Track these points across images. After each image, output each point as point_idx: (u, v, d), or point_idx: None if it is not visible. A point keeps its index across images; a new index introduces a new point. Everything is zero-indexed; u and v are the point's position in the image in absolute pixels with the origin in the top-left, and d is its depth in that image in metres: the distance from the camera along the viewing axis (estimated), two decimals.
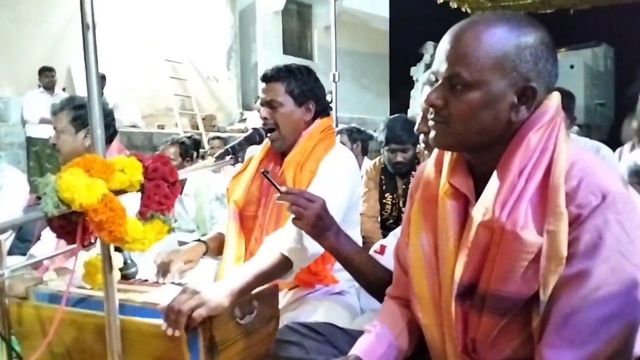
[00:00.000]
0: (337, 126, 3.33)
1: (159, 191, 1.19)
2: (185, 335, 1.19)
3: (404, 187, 3.03)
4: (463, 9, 6.92)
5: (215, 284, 1.38)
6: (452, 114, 0.99)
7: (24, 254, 2.29)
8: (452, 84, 0.98)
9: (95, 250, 1.24)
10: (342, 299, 1.74)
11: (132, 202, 1.18)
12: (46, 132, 5.47)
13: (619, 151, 3.20)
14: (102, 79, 6.01)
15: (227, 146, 1.65)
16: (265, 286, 1.44)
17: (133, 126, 8.19)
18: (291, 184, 1.66)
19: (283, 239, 1.49)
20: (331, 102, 2.94)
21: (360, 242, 1.81)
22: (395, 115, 3.34)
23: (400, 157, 2.94)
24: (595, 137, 6.43)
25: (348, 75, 9.41)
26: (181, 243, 2.03)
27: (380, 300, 1.30)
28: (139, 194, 1.19)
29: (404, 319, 1.18)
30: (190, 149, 3.44)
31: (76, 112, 2.11)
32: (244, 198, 1.80)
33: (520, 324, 0.96)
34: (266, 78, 1.77)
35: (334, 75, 3.38)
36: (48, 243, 2.05)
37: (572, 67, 11.95)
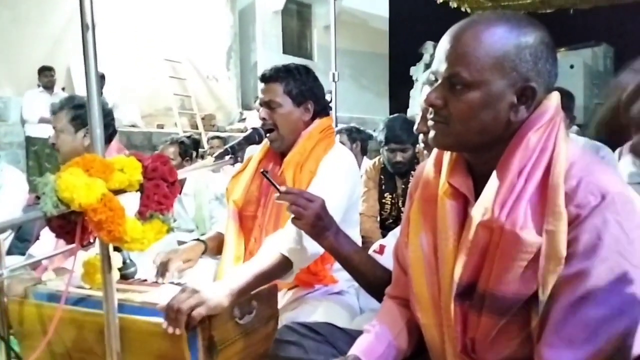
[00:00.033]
0: (336, 126, 3.34)
1: (158, 191, 1.19)
2: (185, 333, 1.19)
3: (403, 186, 3.03)
4: (463, 9, 6.94)
5: (215, 284, 1.38)
6: (452, 113, 0.99)
7: (23, 254, 2.29)
8: (451, 84, 0.98)
9: (94, 250, 1.23)
10: (342, 298, 1.74)
11: (131, 201, 1.18)
12: (45, 131, 5.46)
13: (619, 151, 3.19)
14: (101, 78, 5.94)
15: (227, 146, 1.65)
16: (265, 286, 1.45)
17: (132, 126, 8.19)
18: (291, 184, 1.66)
19: (283, 239, 1.49)
20: (331, 101, 2.93)
21: (359, 242, 1.81)
22: (395, 115, 3.34)
23: (399, 157, 2.94)
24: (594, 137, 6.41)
25: (348, 75, 9.42)
26: (180, 243, 2.03)
27: (380, 300, 1.30)
28: (138, 193, 1.19)
29: (403, 319, 1.18)
30: (189, 149, 3.44)
31: (75, 111, 2.11)
32: (244, 198, 1.80)
33: (519, 323, 0.96)
34: (265, 78, 1.77)
35: (333, 74, 3.38)
36: (47, 243, 2.04)
37: (571, 67, 11.94)
